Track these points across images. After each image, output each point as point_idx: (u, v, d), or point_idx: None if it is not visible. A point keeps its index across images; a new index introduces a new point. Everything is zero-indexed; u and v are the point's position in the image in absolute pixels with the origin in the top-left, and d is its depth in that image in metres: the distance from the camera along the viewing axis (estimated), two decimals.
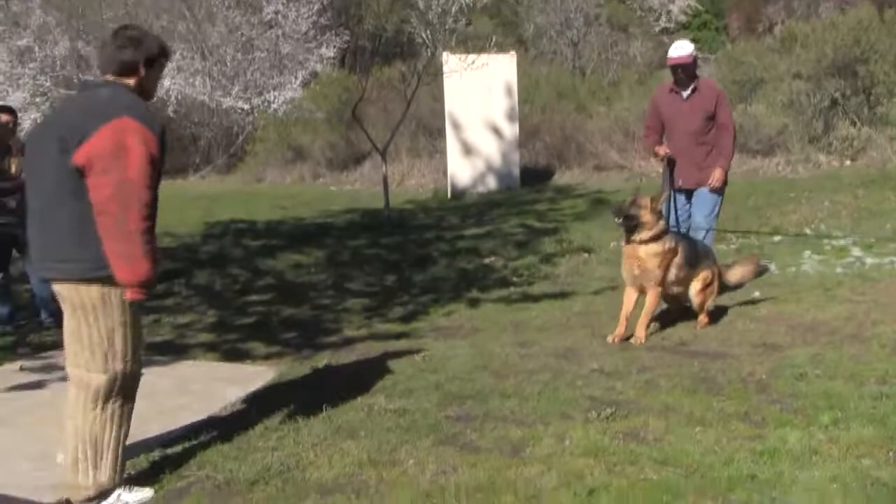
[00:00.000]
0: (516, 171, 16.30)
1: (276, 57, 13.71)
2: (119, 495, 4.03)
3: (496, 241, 11.09)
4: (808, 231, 10.57)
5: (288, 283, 9.21)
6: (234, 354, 6.35)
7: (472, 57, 15.21)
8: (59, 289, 3.97)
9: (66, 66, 14.69)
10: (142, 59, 4.03)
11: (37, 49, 13.65)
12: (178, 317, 7.68)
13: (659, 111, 7.75)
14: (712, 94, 7.65)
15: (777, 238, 10.43)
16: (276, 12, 14.26)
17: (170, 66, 14.34)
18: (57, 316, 7.52)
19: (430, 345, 6.40)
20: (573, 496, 3.86)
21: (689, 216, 7.65)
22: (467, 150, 16.05)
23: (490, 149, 16.11)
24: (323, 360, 6.06)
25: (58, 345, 6.83)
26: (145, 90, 4.11)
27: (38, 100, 14.15)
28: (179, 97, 14.69)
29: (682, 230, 7.50)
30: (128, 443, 4.10)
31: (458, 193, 15.84)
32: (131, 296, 3.86)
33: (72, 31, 14.28)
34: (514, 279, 8.93)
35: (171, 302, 8.36)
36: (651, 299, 6.46)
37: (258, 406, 5.17)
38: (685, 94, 7.59)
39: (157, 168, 3.87)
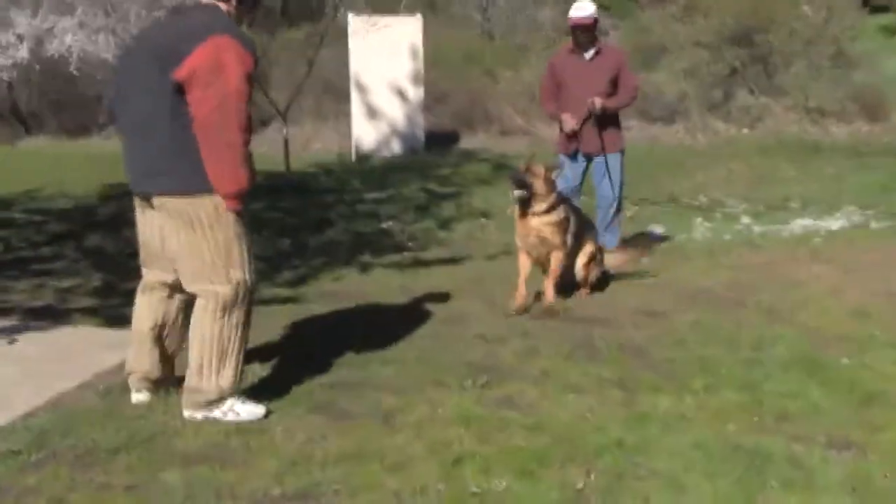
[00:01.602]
0: (421, 135, 16.19)
1: None
2: (232, 405, 4.29)
3: (396, 206, 11.02)
4: (702, 198, 10.73)
5: None
6: (116, 319, 6.17)
7: (376, 18, 15.07)
8: (170, 204, 4.16)
9: None
10: None
11: None
12: (63, 280, 7.44)
13: (558, 74, 7.54)
14: (616, 57, 7.56)
15: (671, 204, 10.57)
16: None
17: (71, 23, 13.94)
18: None
19: (314, 310, 6.32)
20: (439, 465, 3.85)
21: (581, 183, 7.62)
22: (372, 113, 15.90)
23: (395, 112, 15.95)
24: None
25: None
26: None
27: None
28: (82, 55, 14.29)
29: (572, 197, 7.50)
30: None
31: (363, 157, 15.69)
32: (230, 206, 4.10)
33: None
34: (409, 244, 8.89)
35: (59, 265, 8.10)
36: (556, 260, 6.40)
37: None
38: (587, 55, 7.44)
39: (251, 86, 4.10)
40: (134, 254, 8.47)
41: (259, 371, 4.96)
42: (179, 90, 4.00)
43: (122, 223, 10.13)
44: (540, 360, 5.19)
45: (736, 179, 11.92)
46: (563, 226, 6.40)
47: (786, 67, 16.39)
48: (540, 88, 7.90)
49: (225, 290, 4.19)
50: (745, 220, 9.45)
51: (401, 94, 15.95)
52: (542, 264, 6.48)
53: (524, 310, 6.29)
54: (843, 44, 16.98)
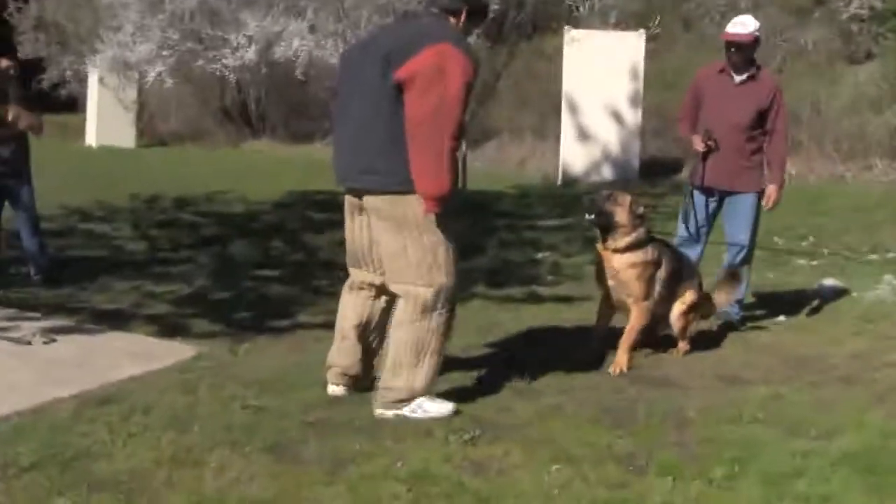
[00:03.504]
0: (636, 162, 15.31)
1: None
2: (421, 403, 4.44)
3: (565, 235, 10.44)
4: None
5: (311, 261, 8.91)
6: (169, 329, 6.12)
7: (593, 33, 14.43)
8: (381, 203, 4.34)
9: (194, 20, 14.87)
10: (466, 6, 4.47)
11: (167, 1, 13.86)
12: (162, 285, 7.46)
13: (701, 93, 6.76)
14: (770, 87, 6.65)
15: (873, 256, 9.40)
16: None
17: (301, 27, 14.29)
18: (44, 272, 7.46)
19: None
20: None
21: (708, 221, 6.84)
22: (583, 135, 15.26)
23: (609, 136, 15.16)
24: (245, 345, 5.74)
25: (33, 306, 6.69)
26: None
27: (164, 53, 14.46)
28: (310, 59, 14.58)
29: (698, 236, 6.74)
30: None
31: (569, 181, 15.09)
32: (428, 207, 4.23)
33: None
34: (548, 277, 8.38)
35: (178, 270, 8.19)
36: (636, 317, 5.65)
37: (136, 386, 4.91)
38: (738, 78, 6.60)
39: (469, 95, 4.26)
40: (260, 264, 8.63)
41: (251, 399, 4.71)
42: (400, 90, 4.19)
43: (275, 232, 10.24)
44: (554, 421, 4.57)
45: None
46: (648, 269, 5.68)
47: None
48: (681, 105, 7.13)
49: (426, 293, 4.32)
50: None
51: (616, 117, 15.21)
52: (625, 312, 5.80)
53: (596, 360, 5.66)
54: None
